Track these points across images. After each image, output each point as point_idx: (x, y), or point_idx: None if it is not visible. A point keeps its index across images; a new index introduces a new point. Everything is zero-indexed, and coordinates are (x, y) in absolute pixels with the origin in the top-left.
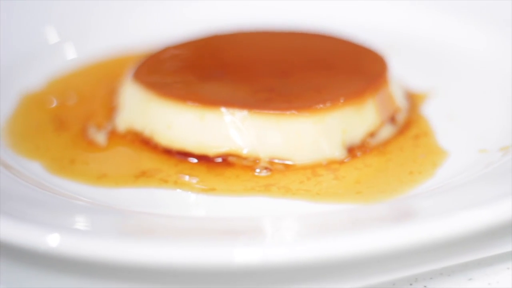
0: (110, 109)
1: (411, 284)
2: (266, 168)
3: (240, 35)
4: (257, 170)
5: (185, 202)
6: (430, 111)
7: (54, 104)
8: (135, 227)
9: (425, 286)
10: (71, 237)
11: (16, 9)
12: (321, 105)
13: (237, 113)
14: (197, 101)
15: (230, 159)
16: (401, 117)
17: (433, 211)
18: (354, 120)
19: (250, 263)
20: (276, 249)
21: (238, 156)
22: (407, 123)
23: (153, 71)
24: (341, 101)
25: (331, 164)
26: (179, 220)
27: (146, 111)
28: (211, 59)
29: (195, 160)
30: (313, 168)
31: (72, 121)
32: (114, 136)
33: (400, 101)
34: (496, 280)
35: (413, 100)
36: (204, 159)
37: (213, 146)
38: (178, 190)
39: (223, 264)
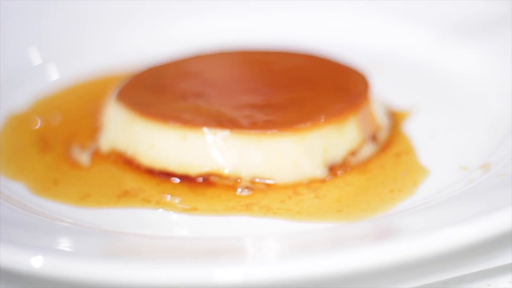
0: (93, 129)
1: None
2: (247, 188)
3: (222, 55)
4: (239, 190)
5: (167, 222)
6: (411, 129)
7: (38, 125)
8: (117, 247)
9: None
10: (54, 259)
11: None
12: (302, 124)
13: (218, 133)
14: (179, 122)
15: (212, 178)
16: (382, 135)
17: (413, 229)
18: (335, 138)
19: (231, 283)
20: (257, 269)
21: (220, 176)
22: (388, 141)
23: (136, 91)
24: (322, 120)
25: (312, 183)
26: (161, 240)
27: (129, 131)
28: (194, 79)
29: (177, 180)
30: (294, 187)
31: (56, 142)
32: (98, 156)
33: (381, 119)
34: None
35: (395, 118)
36: (186, 179)
37: (195, 166)
38: (160, 210)
39: (205, 285)
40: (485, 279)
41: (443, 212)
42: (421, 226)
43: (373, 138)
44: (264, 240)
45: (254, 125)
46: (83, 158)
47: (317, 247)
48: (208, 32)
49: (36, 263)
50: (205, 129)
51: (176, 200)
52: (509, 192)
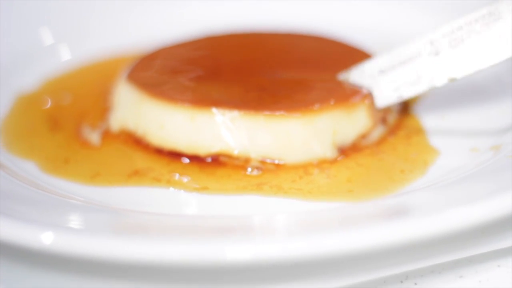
0: (104, 109)
1: (402, 282)
2: (257, 168)
3: (232, 37)
4: (249, 170)
5: (178, 200)
6: (422, 111)
7: (49, 105)
8: (128, 225)
9: (415, 284)
10: (65, 235)
11: (11, 10)
12: (310, 107)
13: (227, 114)
14: (189, 102)
15: (221, 159)
16: (392, 118)
17: (424, 208)
18: (345, 121)
19: (242, 260)
20: (268, 247)
21: (229, 156)
22: (399, 124)
23: (146, 71)
24: (331, 103)
25: (322, 164)
26: (171, 219)
27: (139, 111)
28: (204, 60)
29: (187, 160)
30: (305, 167)
31: (67, 121)
32: (108, 135)
33: None
34: (486, 278)
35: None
36: (196, 159)
37: (204, 146)
38: (171, 188)
39: (215, 262)
40: (495, 260)
41: (453, 192)
42: (431, 206)
43: (384, 120)
44: (275, 219)
45: (263, 106)
46: (93, 137)
47: (327, 226)
48: (218, 14)
49: (46, 239)
50: (214, 110)
51: (187, 180)
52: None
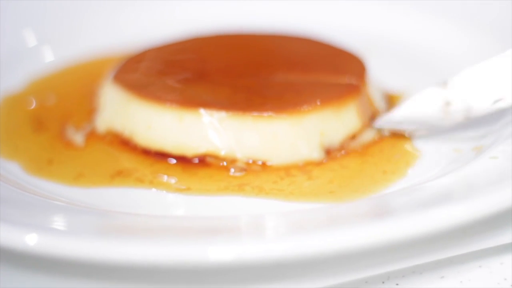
0: (89, 110)
1: (383, 282)
2: (242, 169)
3: (220, 38)
4: (232, 170)
5: (160, 201)
6: None
7: (34, 106)
8: (110, 226)
9: (397, 284)
10: (48, 236)
11: None
12: (298, 107)
13: (215, 115)
14: (176, 102)
15: (208, 159)
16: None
17: (405, 209)
18: (333, 122)
19: (224, 260)
20: (249, 247)
21: (216, 157)
22: None
23: (133, 72)
24: (318, 103)
25: (307, 166)
26: (153, 219)
27: (126, 112)
28: (191, 61)
29: (173, 161)
30: (287, 169)
31: (51, 122)
32: (93, 136)
33: (378, 103)
34: (468, 278)
35: (391, 101)
36: (182, 160)
37: (191, 146)
38: (153, 189)
39: (198, 262)
40: (477, 260)
41: (434, 192)
42: (411, 206)
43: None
44: (256, 219)
45: (251, 107)
46: (78, 138)
47: (309, 226)
48: (206, 14)
49: (29, 240)
50: (202, 110)
51: (170, 180)
52: (500, 173)
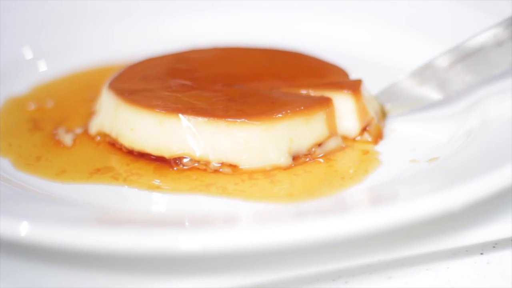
0: (86, 114)
1: (333, 280)
2: (215, 171)
3: (207, 51)
4: (203, 171)
5: (132, 198)
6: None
7: (33, 108)
8: (86, 218)
9: (346, 282)
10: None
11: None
12: (269, 114)
13: (192, 120)
14: (157, 108)
15: (184, 161)
16: (373, 128)
17: (359, 207)
18: (302, 130)
19: (194, 249)
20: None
21: (191, 159)
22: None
23: (125, 80)
24: (289, 112)
25: (273, 170)
26: (127, 213)
27: (114, 116)
28: (180, 72)
29: (152, 161)
30: (251, 173)
31: (47, 124)
32: (83, 137)
33: (374, 113)
34: (413, 279)
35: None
36: (161, 160)
37: (169, 148)
38: (126, 187)
39: (168, 250)
40: (425, 263)
41: (384, 193)
42: (361, 205)
43: (363, 130)
44: (219, 214)
45: (226, 114)
46: (67, 139)
47: (262, 221)
48: (199, 30)
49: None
50: (180, 116)
51: (142, 179)
52: (444, 178)
